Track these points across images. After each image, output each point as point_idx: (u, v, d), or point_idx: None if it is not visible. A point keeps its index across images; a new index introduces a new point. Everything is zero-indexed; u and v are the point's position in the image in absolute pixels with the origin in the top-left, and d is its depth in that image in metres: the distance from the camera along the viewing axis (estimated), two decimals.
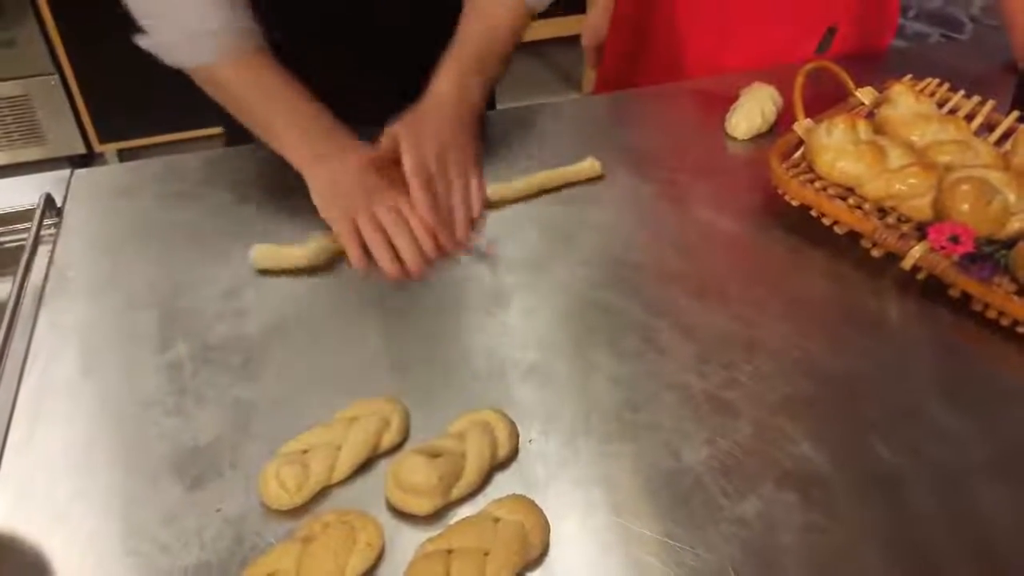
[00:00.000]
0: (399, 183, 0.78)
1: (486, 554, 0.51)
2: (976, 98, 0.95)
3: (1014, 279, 0.69)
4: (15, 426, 0.62)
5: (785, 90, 0.96)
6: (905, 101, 0.88)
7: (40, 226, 0.82)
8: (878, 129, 0.86)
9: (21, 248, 0.79)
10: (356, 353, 0.68)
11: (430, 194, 0.77)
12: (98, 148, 2.70)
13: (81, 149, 2.69)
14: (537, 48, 3.24)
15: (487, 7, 0.89)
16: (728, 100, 1.01)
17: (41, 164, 2.67)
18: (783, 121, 0.98)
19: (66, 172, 0.93)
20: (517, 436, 0.60)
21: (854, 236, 0.78)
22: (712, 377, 0.65)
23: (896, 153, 0.80)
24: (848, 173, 0.80)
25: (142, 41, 0.79)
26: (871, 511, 0.55)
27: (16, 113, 2.57)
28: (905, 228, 0.76)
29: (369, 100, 0.87)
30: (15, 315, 0.72)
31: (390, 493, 0.56)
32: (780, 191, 0.82)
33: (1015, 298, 0.68)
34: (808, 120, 0.87)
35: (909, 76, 0.97)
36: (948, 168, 0.78)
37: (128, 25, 0.80)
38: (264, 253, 0.77)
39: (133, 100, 2.55)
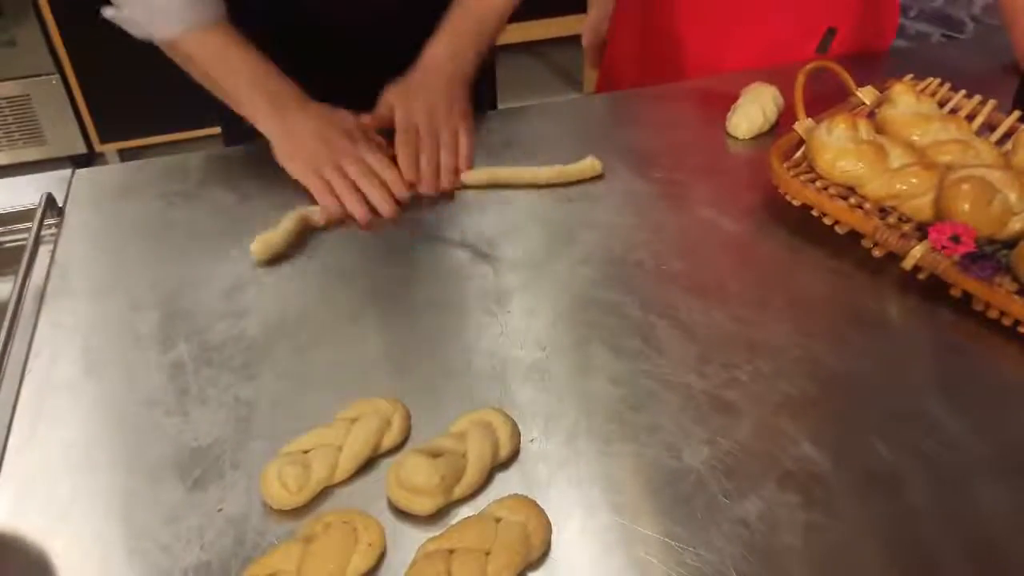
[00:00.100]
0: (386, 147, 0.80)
1: (487, 554, 0.51)
2: (977, 98, 0.95)
3: (1015, 279, 0.69)
4: (16, 426, 0.63)
5: (786, 90, 0.96)
6: (906, 101, 0.88)
7: (41, 226, 0.82)
8: (879, 129, 0.86)
9: (22, 248, 0.79)
10: (357, 353, 0.69)
11: (412, 151, 0.79)
12: (99, 148, 2.71)
13: (82, 149, 2.69)
14: (538, 48, 3.23)
15: None
16: (729, 100, 1.01)
17: (42, 164, 2.67)
18: (784, 121, 0.98)
19: (67, 172, 0.93)
20: (518, 436, 0.60)
21: (855, 236, 0.78)
22: (713, 377, 0.65)
23: (897, 153, 0.80)
24: (849, 173, 0.80)
25: (108, 12, 0.80)
26: (872, 510, 0.55)
27: (17, 113, 2.58)
28: (906, 228, 0.76)
29: (357, 97, 0.88)
30: (16, 315, 0.72)
31: (391, 493, 0.56)
32: (781, 191, 0.82)
33: (1016, 298, 0.68)
34: (809, 120, 0.87)
35: (910, 76, 0.97)
36: (949, 168, 0.78)
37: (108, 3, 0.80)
38: (259, 245, 0.78)
39: (134, 100, 2.56)
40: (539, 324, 0.71)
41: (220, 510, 0.56)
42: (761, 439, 0.60)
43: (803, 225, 0.81)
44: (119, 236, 0.84)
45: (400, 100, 0.83)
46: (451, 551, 0.51)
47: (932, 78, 0.99)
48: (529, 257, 0.79)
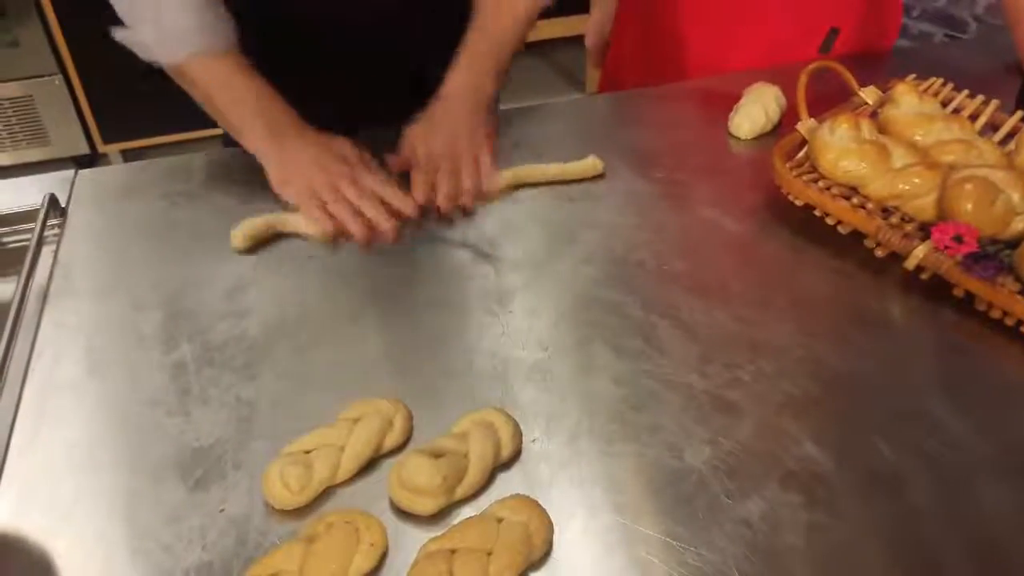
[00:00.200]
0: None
1: (489, 554, 0.51)
2: (980, 97, 0.95)
3: (1018, 279, 0.69)
4: (19, 426, 0.63)
5: (788, 90, 0.96)
6: (909, 101, 0.88)
7: (44, 226, 0.83)
8: (882, 129, 0.86)
9: (25, 248, 0.79)
10: (359, 353, 0.69)
11: (428, 178, 0.78)
12: (102, 149, 2.71)
13: (85, 150, 2.70)
14: (540, 48, 3.24)
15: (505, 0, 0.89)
16: (731, 100, 1.01)
17: (45, 165, 2.68)
18: (786, 121, 0.98)
19: (70, 173, 0.93)
20: (520, 436, 0.60)
21: (857, 236, 0.77)
22: (715, 377, 0.65)
23: (900, 152, 0.80)
24: (852, 173, 0.79)
25: (119, 35, 0.80)
26: (874, 510, 0.55)
27: (20, 114, 2.58)
28: (909, 228, 0.76)
29: (358, 97, 0.88)
30: (19, 315, 0.72)
31: (393, 493, 0.56)
32: (783, 191, 0.82)
33: (1019, 298, 0.68)
34: (812, 119, 0.87)
35: (913, 76, 0.97)
36: (952, 168, 0.78)
37: (120, 23, 0.80)
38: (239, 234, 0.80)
39: (137, 101, 2.56)
40: (541, 324, 0.71)
41: (222, 510, 0.56)
42: (763, 439, 0.60)
43: (805, 225, 0.81)
44: (122, 236, 0.84)
45: (422, 139, 0.81)
46: (453, 551, 0.51)
47: (935, 78, 0.98)
48: (530, 257, 0.79)
